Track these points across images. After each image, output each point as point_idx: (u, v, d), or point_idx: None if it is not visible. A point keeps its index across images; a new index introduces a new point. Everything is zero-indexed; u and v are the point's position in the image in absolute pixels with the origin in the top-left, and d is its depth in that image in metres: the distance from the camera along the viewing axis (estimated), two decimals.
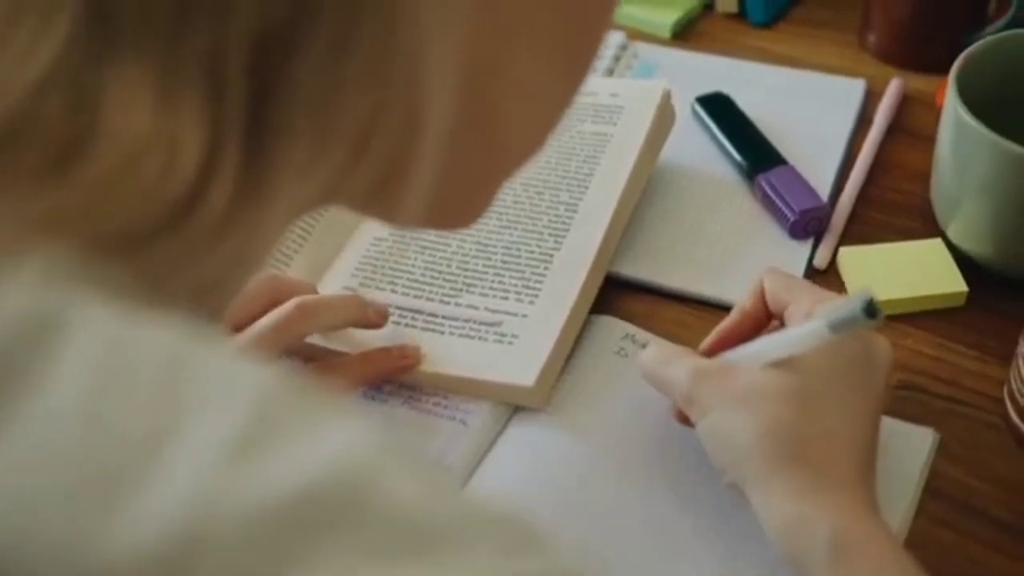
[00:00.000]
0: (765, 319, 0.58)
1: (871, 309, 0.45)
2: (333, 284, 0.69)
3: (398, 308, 0.66)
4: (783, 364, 0.52)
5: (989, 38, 0.69)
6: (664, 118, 0.73)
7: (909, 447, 0.59)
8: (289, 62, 0.26)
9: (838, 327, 0.47)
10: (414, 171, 0.32)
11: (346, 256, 0.71)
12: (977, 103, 0.65)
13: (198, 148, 0.26)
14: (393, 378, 0.63)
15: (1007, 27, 0.81)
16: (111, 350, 0.24)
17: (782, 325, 0.56)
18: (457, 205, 0.38)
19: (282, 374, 0.25)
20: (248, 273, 0.32)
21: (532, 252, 0.67)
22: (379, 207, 0.36)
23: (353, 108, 0.29)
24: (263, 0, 0.25)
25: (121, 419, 0.23)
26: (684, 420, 0.57)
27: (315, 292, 0.65)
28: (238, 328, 0.61)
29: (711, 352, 0.58)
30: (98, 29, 0.25)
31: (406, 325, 0.65)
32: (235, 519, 0.22)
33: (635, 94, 0.74)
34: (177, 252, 0.27)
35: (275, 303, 0.63)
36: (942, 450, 0.60)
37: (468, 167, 0.36)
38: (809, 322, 0.49)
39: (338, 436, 0.24)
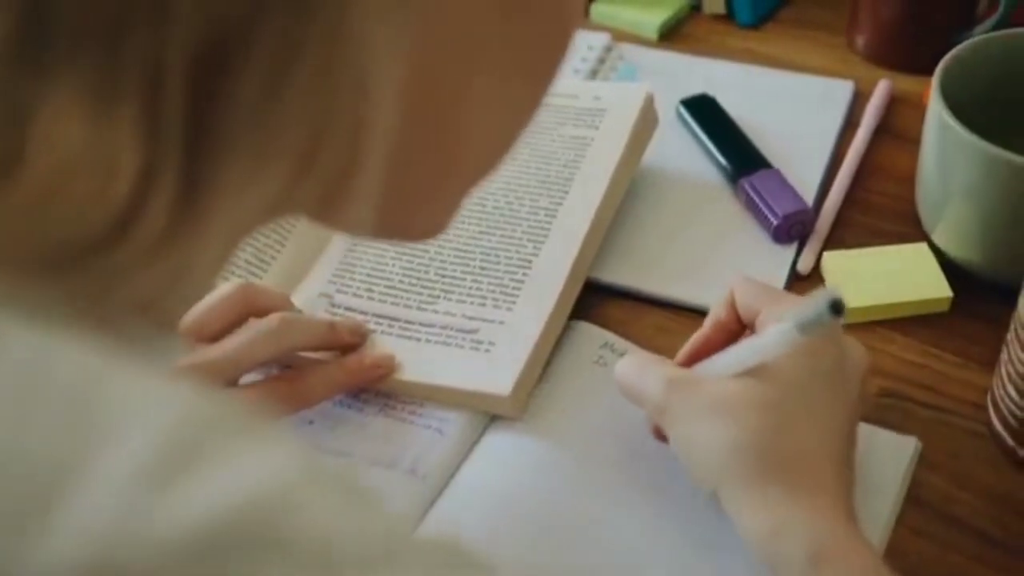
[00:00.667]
0: (738, 328, 0.57)
1: (836, 306, 0.44)
2: (310, 290, 0.68)
3: (375, 315, 0.66)
4: (755, 373, 0.51)
5: (974, 39, 0.68)
6: (646, 122, 0.73)
7: (890, 456, 0.58)
8: (231, 77, 0.25)
9: (806, 328, 0.47)
10: (361, 186, 0.31)
11: (323, 262, 0.70)
12: (964, 105, 0.64)
13: (134, 166, 0.25)
14: (369, 386, 0.63)
15: (996, 27, 0.80)
16: (23, 374, 0.23)
17: (754, 334, 0.55)
18: (417, 218, 0.38)
19: (205, 398, 0.25)
20: (194, 289, 0.31)
21: (511, 258, 0.67)
22: (330, 220, 0.35)
23: (296, 125, 0.28)
24: (203, 11, 0.24)
25: (30, 446, 0.22)
26: (661, 436, 0.56)
27: (289, 304, 0.64)
28: (212, 338, 0.61)
29: (686, 364, 0.57)
30: (30, 41, 0.24)
31: (382, 332, 0.65)
32: (148, 550, 0.22)
33: (617, 97, 0.73)
34: (111, 270, 0.26)
35: (249, 313, 0.62)
36: (924, 459, 0.59)
37: (424, 181, 0.35)
38: (777, 325, 0.48)
39: (259, 463, 0.24)
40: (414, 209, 0.37)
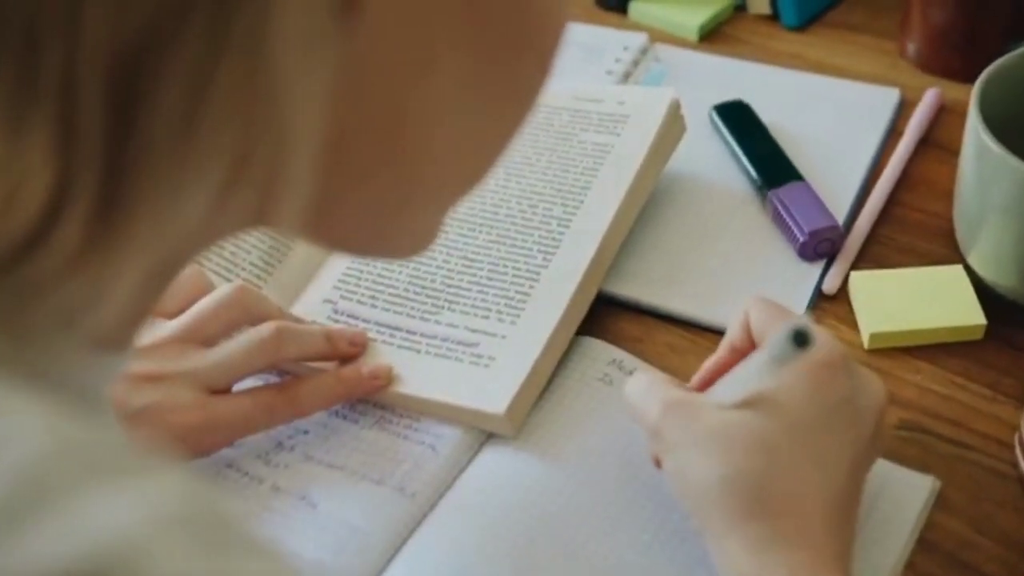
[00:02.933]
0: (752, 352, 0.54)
1: (800, 338, 0.41)
2: (314, 296, 0.67)
3: (377, 323, 0.64)
4: (757, 404, 0.48)
5: (1018, 50, 0.64)
6: (672, 129, 0.70)
7: (904, 495, 0.55)
8: (149, 87, 0.24)
9: (778, 359, 0.43)
10: (293, 197, 0.29)
11: (329, 268, 0.68)
12: (1007, 120, 0.60)
13: (48, 181, 0.24)
14: (365, 397, 0.61)
15: None
16: None
17: None
18: (392, 233, 0.36)
19: (78, 435, 0.23)
20: (121, 307, 0.30)
21: (519, 269, 0.64)
22: (270, 230, 0.34)
23: (220, 134, 0.26)
24: (116, 19, 0.23)
25: None
26: (659, 463, 0.53)
27: (283, 313, 0.63)
28: (207, 342, 0.60)
29: (700, 389, 0.54)
30: None
31: (383, 342, 0.63)
32: None
33: (642, 103, 0.71)
34: (23, 285, 0.25)
35: (246, 318, 0.61)
36: (941, 499, 0.55)
37: (389, 196, 0.34)
38: (756, 354, 0.46)
39: (114, 507, 0.22)
40: (382, 224, 0.35)
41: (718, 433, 0.48)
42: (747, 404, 0.48)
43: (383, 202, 0.34)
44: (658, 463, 0.54)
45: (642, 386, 0.53)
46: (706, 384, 0.54)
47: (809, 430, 0.48)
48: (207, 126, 0.26)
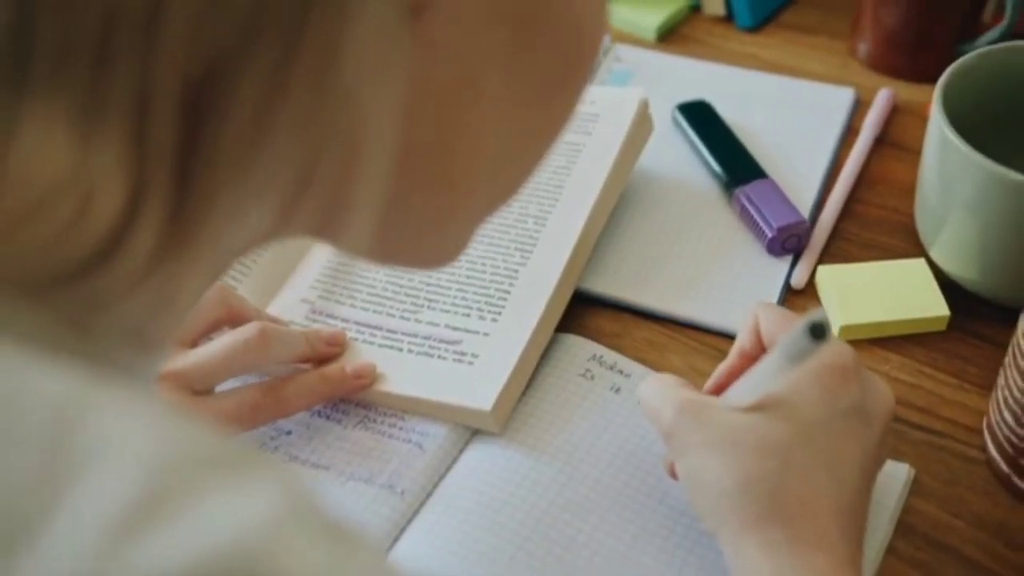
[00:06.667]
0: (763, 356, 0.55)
1: (817, 331, 0.41)
2: (292, 296, 0.67)
3: (357, 323, 0.64)
4: (769, 408, 0.48)
5: (979, 50, 0.66)
6: (641, 128, 0.71)
7: (882, 484, 0.56)
8: (223, 101, 0.24)
9: (793, 356, 0.44)
10: (358, 210, 0.30)
11: (306, 267, 0.68)
12: (966, 118, 0.62)
13: (120, 193, 0.24)
14: (349, 397, 0.61)
15: (1002, 36, 0.78)
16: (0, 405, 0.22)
17: None
18: (426, 245, 0.37)
19: (183, 434, 0.23)
20: (180, 314, 0.30)
21: (497, 267, 0.65)
22: (333, 242, 0.34)
23: (290, 148, 0.27)
24: (193, 37, 0.23)
25: (1, 483, 0.21)
26: (674, 473, 0.54)
27: (263, 315, 0.63)
28: (189, 343, 0.59)
29: (713, 395, 0.55)
30: (12, 57, 0.23)
31: (364, 341, 0.63)
32: None
33: (611, 102, 0.72)
34: (95, 296, 0.25)
35: (229, 317, 0.61)
36: (916, 483, 0.57)
37: (432, 208, 0.34)
38: (769, 355, 0.46)
39: (240, 504, 0.22)
40: (422, 237, 0.35)
41: (732, 435, 0.48)
42: (760, 407, 0.49)
43: (426, 217, 0.34)
44: (673, 473, 0.54)
45: (656, 388, 0.53)
46: (719, 389, 0.54)
47: (821, 433, 0.48)
48: (278, 137, 0.26)
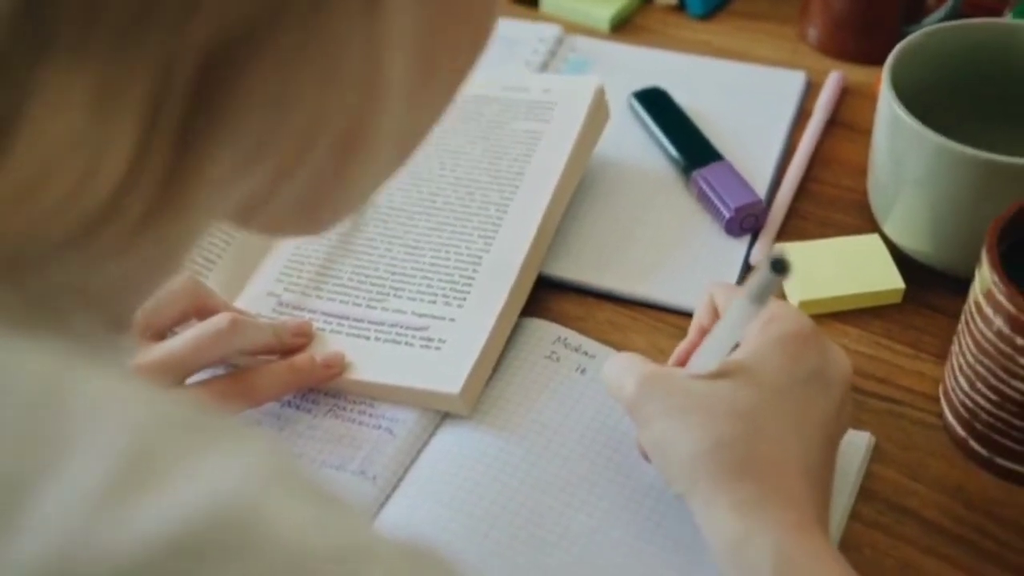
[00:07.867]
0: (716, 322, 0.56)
1: (778, 265, 0.43)
2: (258, 290, 0.67)
3: (324, 314, 0.65)
4: (731, 374, 0.50)
5: (925, 29, 0.68)
6: (598, 115, 0.72)
7: (844, 451, 0.58)
8: (236, 73, 0.25)
9: (756, 295, 0.45)
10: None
11: (271, 260, 0.69)
12: (914, 96, 0.64)
13: (124, 157, 0.24)
14: (318, 386, 0.62)
15: (947, 17, 0.80)
16: None
17: None
18: (326, 215, 0.36)
19: (167, 401, 0.24)
20: (159, 280, 0.31)
21: (461, 254, 0.66)
22: (250, 220, 0.34)
23: (296, 123, 0.28)
24: (222, 12, 0.24)
25: None
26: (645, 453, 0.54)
27: (229, 306, 0.63)
28: (159, 334, 0.60)
29: None
30: (34, 27, 0.23)
31: (331, 331, 0.64)
32: (109, 563, 0.21)
33: (568, 90, 0.73)
34: (81, 262, 0.26)
35: (197, 309, 0.61)
36: (877, 450, 0.59)
37: (342, 181, 0.34)
38: (720, 323, 0.48)
39: (223, 468, 0.23)
40: (316, 208, 0.35)
41: (699, 401, 0.49)
42: (723, 374, 0.50)
43: (322, 188, 0.34)
44: (645, 454, 0.55)
45: (619, 364, 0.54)
46: (680, 364, 0.56)
47: (784, 398, 0.49)
48: (288, 111, 0.27)
